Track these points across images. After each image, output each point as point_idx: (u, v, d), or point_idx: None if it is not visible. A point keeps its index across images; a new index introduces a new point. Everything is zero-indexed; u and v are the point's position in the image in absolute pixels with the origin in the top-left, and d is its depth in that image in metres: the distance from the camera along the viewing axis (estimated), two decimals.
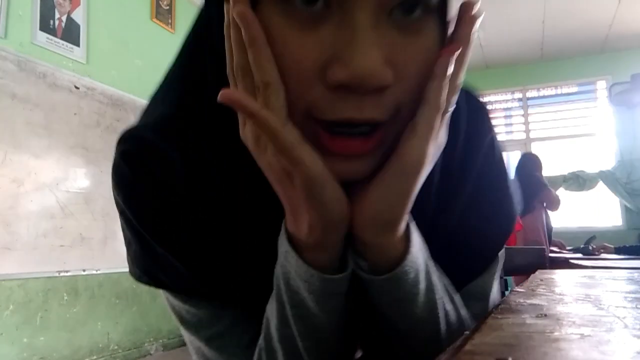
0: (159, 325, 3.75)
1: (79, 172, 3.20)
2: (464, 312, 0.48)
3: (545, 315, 0.31)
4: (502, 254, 0.55)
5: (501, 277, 1.96)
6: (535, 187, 3.70)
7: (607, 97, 5.70)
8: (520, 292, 0.44)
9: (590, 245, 2.98)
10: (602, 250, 2.91)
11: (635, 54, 5.59)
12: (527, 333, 0.26)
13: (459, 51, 0.37)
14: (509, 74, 6.11)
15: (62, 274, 3.02)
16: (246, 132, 0.37)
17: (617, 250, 2.87)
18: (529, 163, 3.81)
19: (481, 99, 0.54)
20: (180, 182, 0.45)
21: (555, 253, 3.06)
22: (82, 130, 3.23)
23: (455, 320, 0.46)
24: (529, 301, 0.38)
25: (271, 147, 0.35)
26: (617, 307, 0.34)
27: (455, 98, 0.40)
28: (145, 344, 3.62)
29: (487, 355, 0.22)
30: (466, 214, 0.50)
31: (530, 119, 6.07)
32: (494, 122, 0.54)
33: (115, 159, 0.48)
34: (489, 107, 0.54)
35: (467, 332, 0.27)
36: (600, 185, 5.55)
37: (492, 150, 0.53)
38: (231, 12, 0.34)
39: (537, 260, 2.09)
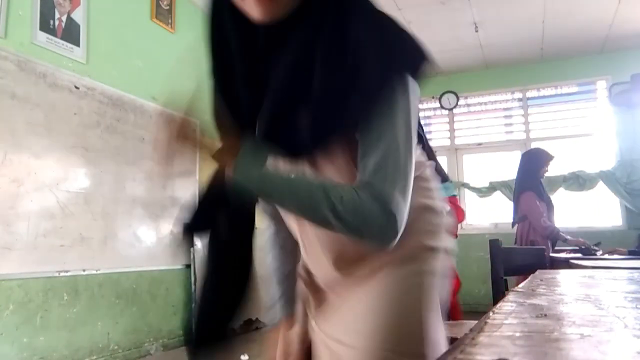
0: (159, 325, 3.75)
1: (79, 172, 3.20)
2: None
3: (545, 315, 0.31)
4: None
5: (501, 277, 1.96)
6: (521, 186, 3.62)
7: (607, 97, 5.70)
8: (520, 292, 0.44)
9: (593, 248, 2.94)
10: (613, 253, 2.84)
11: (635, 54, 5.59)
12: (527, 333, 0.26)
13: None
14: (509, 74, 6.10)
15: (62, 274, 3.02)
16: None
17: (631, 254, 2.76)
18: (524, 160, 3.73)
19: None
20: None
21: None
22: (82, 130, 3.23)
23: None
24: (529, 301, 0.38)
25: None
26: (617, 307, 0.34)
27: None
28: (145, 344, 3.62)
29: (488, 355, 0.22)
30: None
31: (530, 119, 6.07)
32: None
33: None
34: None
35: (467, 332, 0.27)
36: (600, 185, 5.55)
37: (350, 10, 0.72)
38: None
39: (537, 260, 2.09)
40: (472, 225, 6.10)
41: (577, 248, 3.15)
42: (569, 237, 3.43)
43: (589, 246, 3.03)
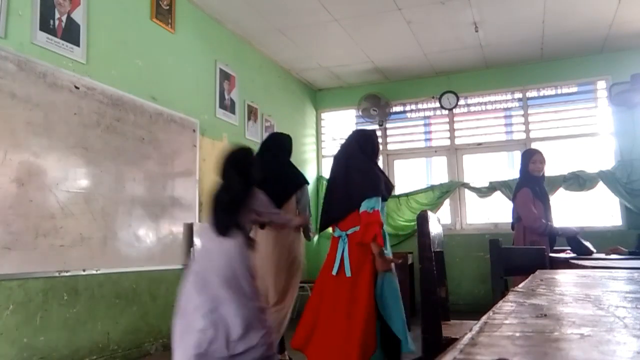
0: (159, 325, 3.75)
1: (79, 172, 3.20)
2: None
3: (545, 315, 0.31)
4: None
5: (501, 277, 1.96)
6: (517, 185, 3.73)
7: (607, 97, 5.70)
8: (520, 292, 0.44)
9: (583, 241, 2.95)
10: (611, 252, 2.84)
11: (635, 54, 5.59)
12: (527, 333, 0.26)
13: None
14: (509, 74, 6.10)
15: (62, 274, 3.02)
16: None
17: (631, 254, 2.73)
18: (522, 159, 3.80)
19: None
20: None
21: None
22: (82, 130, 3.23)
23: None
24: (529, 301, 0.38)
25: None
26: (617, 307, 0.34)
27: None
28: (145, 344, 3.62)
29: (488, 355, 0.22)
30: None
31: (530, 119, 6.07)
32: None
33: None
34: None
35: (467, 332, 0.27)
36: (600, 185, 5.55)
37: None
38: None
39: (537, 260, 2.09)
40: (472, 225, 6.10)
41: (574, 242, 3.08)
42: (560, 228, 3.47)
43: (580, 233, 3.10)
